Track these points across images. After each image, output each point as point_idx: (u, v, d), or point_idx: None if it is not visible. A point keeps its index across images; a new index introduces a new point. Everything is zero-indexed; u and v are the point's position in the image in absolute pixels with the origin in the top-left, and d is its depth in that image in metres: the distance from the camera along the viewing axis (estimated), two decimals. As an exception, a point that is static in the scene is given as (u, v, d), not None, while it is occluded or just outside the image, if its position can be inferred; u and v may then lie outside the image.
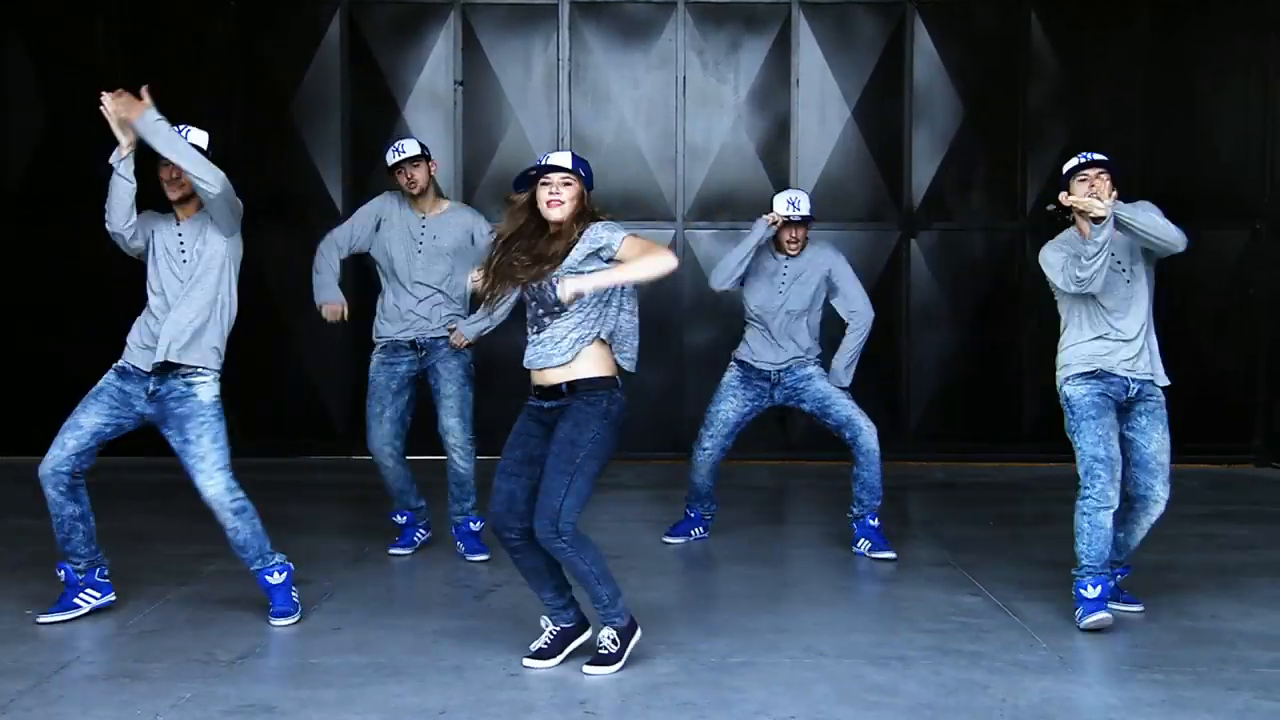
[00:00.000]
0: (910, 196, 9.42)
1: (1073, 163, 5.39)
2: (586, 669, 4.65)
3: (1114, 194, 5.30)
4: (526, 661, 4.73)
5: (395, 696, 4.42)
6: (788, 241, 6.49)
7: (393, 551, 6.50)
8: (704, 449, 6.64)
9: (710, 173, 9.42)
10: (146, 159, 5.23)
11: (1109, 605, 5.23)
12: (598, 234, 4.67)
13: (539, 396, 4.72)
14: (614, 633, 4.69)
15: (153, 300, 5.25)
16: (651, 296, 9.38)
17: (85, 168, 9.29)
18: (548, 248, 4.67)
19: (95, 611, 5.29)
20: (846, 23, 9.41)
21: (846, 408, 6.50)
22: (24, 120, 9.37)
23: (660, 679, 4.62)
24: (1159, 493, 5.40)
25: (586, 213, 4.72)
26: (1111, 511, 5.26)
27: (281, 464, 9.07)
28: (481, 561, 6.28)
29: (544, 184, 4.68)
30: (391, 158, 6.31)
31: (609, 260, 4.64)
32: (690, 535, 6.80)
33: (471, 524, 6.41)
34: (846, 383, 6.53)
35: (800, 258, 6.55)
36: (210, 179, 5.07)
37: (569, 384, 4.65)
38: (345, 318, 6.35)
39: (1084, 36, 9.37)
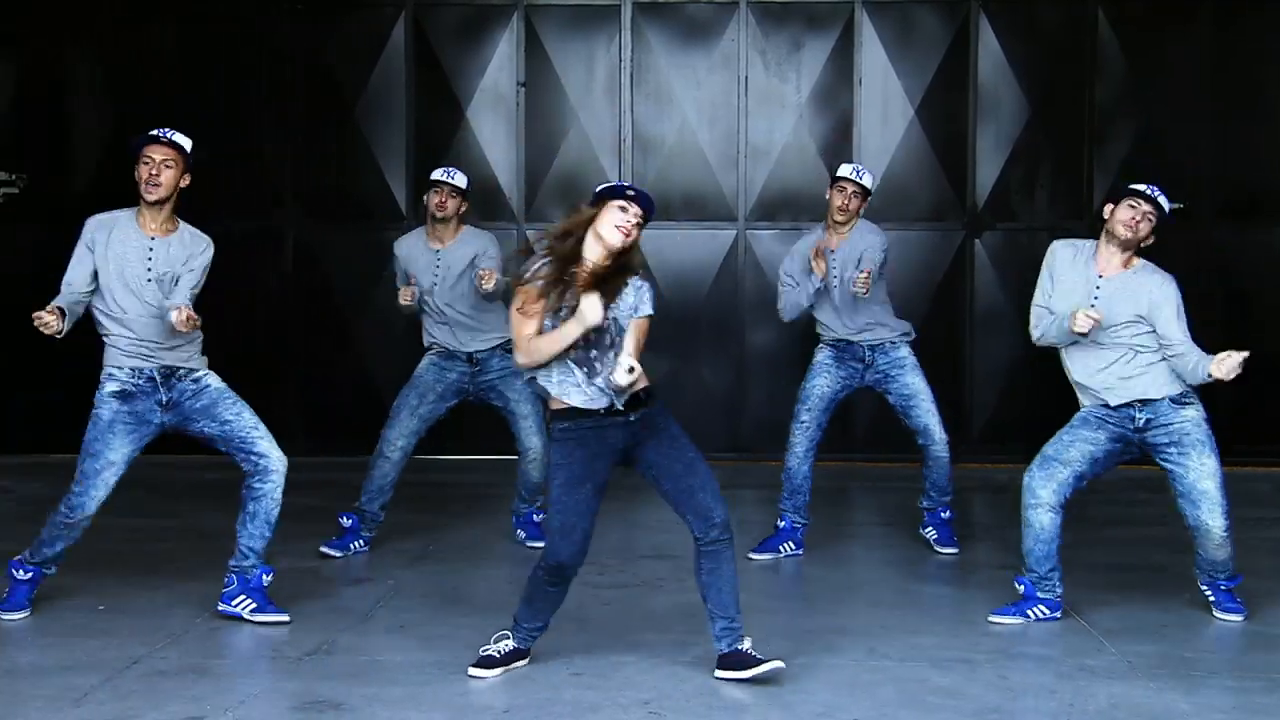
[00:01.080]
0: (974, 196, 9.35)
1: (1137, 187, 5.31)
2: (744, 674, 4.53)
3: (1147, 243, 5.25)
4: (472, 670, 4.62)
5: (460, 695, 4.45)
6: (838, 208, 6.38)
7: (324, 550, 6.37)
8: (800, 423, 6.51)
9: (772, 173, 9.40)
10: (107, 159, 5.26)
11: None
12: (642, 295, 4.53)
13: (621, 411, 4.48)
14: (752, 647, 4.61)
15: (111, 326, 5.22)
16: (711, 297, 9.41)
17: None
18: (615, 280, 4.49)
19: (152, 610, 5.36)
20: (910, 21, 9.35)
21: (927, 414, 6.45)
22: (90, 124, 9.51)
23: (722, 680, 4.62)
24: (1204, 522, 5.21)
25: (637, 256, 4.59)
26: (1036, 510, 5.28)
27: (343, 463, 9.14)
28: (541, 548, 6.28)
29: (622, 209, 4.51)
30: (442, 175, 6.44)
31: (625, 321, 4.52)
32: (780, 551, 6.54)
33: (534, 515, 6.62)
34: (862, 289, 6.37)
35: (844, 246, 6.43)
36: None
37: (647, 390, 4.53)
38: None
39: (1150, 34, 9.26)
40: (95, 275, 5.20)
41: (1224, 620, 5.36)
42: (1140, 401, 5.29)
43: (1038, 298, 5.48)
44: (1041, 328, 5.43)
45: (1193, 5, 9.23)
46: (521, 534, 6.67)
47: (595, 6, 9.40)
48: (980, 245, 9.38)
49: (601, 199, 4.56)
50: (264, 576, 5.28)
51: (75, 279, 5.21)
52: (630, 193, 4.53)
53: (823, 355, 6.58)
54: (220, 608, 5.28)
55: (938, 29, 9.32)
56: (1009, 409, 9.36)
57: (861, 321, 6.47)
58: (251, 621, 5.21)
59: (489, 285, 6.18)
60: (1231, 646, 5.05)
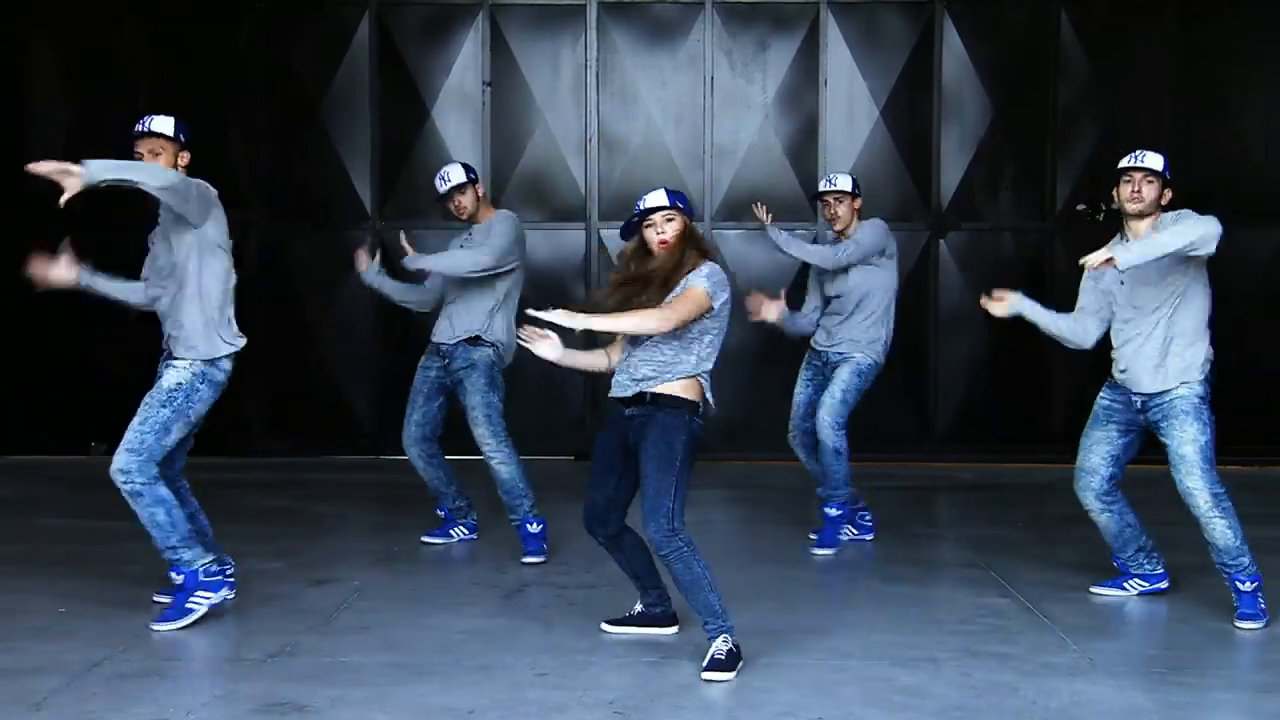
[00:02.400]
0: (939, 197, 9.39)
1: (1124, 162, 5.39)
2: (705, 675, 4.60)
3: (1163, 202, 5.33)
4: (604, 625, 5.09)
5: (424, 696, 4.43)
6: (827, 219, 6.62)
7: (424, 539, 6.63)
8: (789, 434, 6.76)
9: (738, 173, 9.42)
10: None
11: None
12: (690, 280, 4.73)
13: (623, 404, 4.79)
14: (729, 643, 4.67)
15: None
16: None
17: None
18: (645, 267, 4.79)
19: (114, 612, 5.33)
20: (875, 22, 9.39)
21: (830, 398, 6.48)
22: (52, 120, 9.44)
23: (688, 679, 4.62)
24: (1185, 485, 5.29)
25: (697, 245, 4.81)
26: (1092, 514, 5.51)
27: (308, 463, 9.11)
28: (535, 563, 6.25)
29: (648, 226, 4.79)
30: (440, 186, 6.43)
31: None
32: (838, 543, 6.67)
33: (529, 525, 6.36)
34: (774, 237, 6.65)
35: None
36: (143, 177, 5.00)
37: (653, 395, 4.73)
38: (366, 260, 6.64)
39: (1113, 36, 9.33)
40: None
41: (1240, 629, 5.27)
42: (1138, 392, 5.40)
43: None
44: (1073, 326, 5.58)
45: (1156, 7, 9.31)
46: (525, 547, 6.38)
47: (561, 6, 9.39)
48: (944, 245, 9.43)
49: (626, 235, 4.92)
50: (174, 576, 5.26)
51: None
52: (635, 219, 4.83)
53: (803, 363, 6.79)
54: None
55: (902, 30, 9.36)
56: (973, 408, 9.42)
57: (834, 341, 6.60)
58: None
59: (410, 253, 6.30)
60: (1192, 644, 5.08)
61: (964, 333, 9.45)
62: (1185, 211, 5.30)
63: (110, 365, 9.25)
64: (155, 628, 5.10)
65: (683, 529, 4.65)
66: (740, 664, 4.67)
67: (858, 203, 6.61)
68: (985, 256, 9.46)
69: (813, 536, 6.75)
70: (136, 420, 5.13)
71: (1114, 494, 5.55)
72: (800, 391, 6.72)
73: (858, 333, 6.55)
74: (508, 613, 5.47)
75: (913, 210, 9.42)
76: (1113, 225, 5.53)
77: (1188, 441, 5.27)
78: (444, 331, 6.42)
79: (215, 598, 5.20)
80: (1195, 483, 5.25)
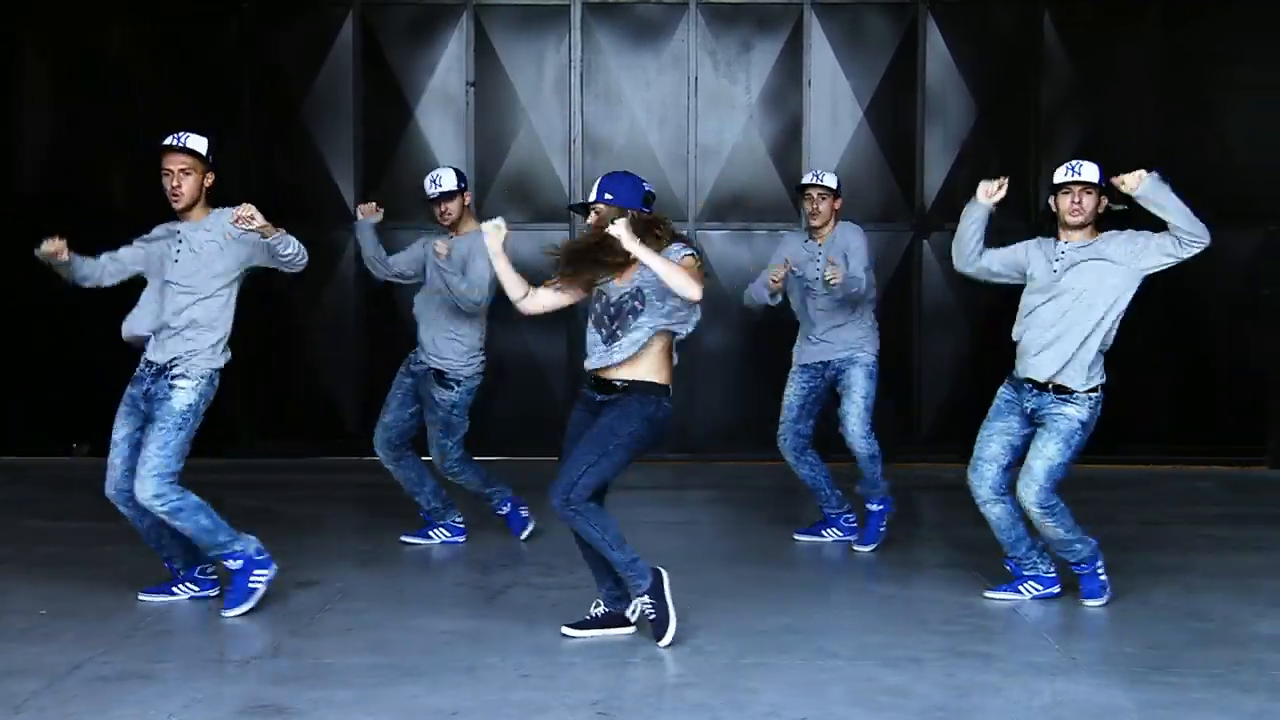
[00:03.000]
0: (922, 197, 9.41)
1: (1060, 175, 5.52)
2: (659, 644, 4.89)
3: (1099, 210, 5.48)
4: (565, 629, 5.06)
5: (409, 697, 4.42)
6: (809, 215, 6.58)
7: (403, 539, 6.69)
8: (779, 435, 6.73)
9: (722, 173, 9.42)
10: (137, 172, 5.24)
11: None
12: (677, 250, 4.93)
13: (594, 389, 4.98)
14: (647, 599, 4.92)
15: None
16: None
17: (99, 166, 9.38)
18: (615, 255, 4.93)
19: (96, 614, 5.31)
20: (858, 23, 9.40)
21: (855, 406, 6.54)
22: (36, 119, 9.41)
23: (672, 680, 4.63)
24: (1019, 491, 5.43)
25: (652, 230, 4.93)
26: (986, 505, 5.53)
27: (292, 464, 9.09)
28: (528, 536, 6.72)
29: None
30: (430, 189, 6.52)
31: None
32: (822, 535, 6.85)
33: (501, 509, 6.77)
34: (835, 278, 6.44)
35: (828, 241, 6.57)
36: (296, 262, 5.46)
37: (626, 382, 4.92)
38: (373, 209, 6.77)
39: (1097, 37, 9.35)
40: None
41: (1087, 606, 5.55)
42: (1030, 382, 5.47)
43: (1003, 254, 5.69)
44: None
45: (1139, 8, 9.33)
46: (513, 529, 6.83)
47: (545, 6, 9.39)
48: (928, 246, 9.44)
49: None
50: (227, 564, 5.36)
51: (121, 254, 5.44)
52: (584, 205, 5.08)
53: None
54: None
55: (886, 31, 9.38)
56: (957, 408, 9.43)
57: (831, 354, 6.62)
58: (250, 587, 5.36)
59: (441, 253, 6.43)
60: (1173, 643, 5.10)
61: (947, 333, 9.47)
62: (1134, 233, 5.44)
63: (91, 367, 9.23)
64: (227, 614, 5.27)
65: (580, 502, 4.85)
66: (671, 617, 4.91)
67: (839, 203, 6.63)
68: (969, 257, 9.48)
69: (797, 538, 6.79)
70: (155, 445, 5.16)
71: (1007, 486, 5.56)
72: (794, 395, 6.69)
73: (855, 334, 6.58)
74: (492, 614, 5.47)
75: (896, 211, 9.43)
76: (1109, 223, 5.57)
77: (1040, 456, 5.40)
78: (422, 346, 6.56)
79: (269, 573, 5.37)
80: (1028, 493, 5.39)
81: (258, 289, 9.28)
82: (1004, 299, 9.50)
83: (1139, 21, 9.34)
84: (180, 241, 5.32)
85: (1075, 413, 5.41)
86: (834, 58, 9.35)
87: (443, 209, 6.49)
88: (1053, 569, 5.66)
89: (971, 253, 5.65)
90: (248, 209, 5.16)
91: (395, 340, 6.41)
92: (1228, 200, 9.30)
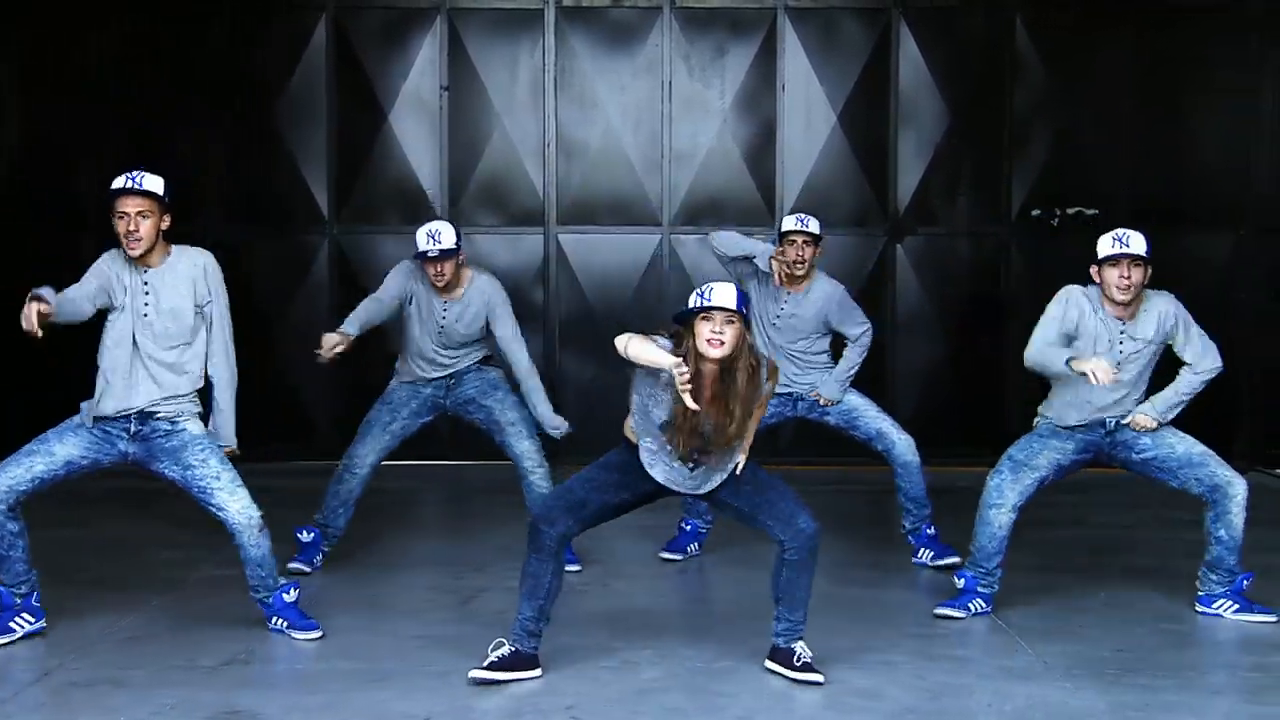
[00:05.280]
0: (896, 202, 9.43)
1: (1106, 247, 5.30)
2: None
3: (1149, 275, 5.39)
4: (474, 673, 4.59)
5: (380, 703, 4.41)
6: (793, 262, 6.20)
7: (293, 566, 6.07)
8: None
9: (696, 178, 9.42)
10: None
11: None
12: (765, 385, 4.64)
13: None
14: (508, 645, 4.67)
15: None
16: (636, 301, 9.40)
17: (72, 173, 9.32)
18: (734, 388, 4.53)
19: (65, 621, 5.27)
20: (832, 28, 9.42)
21: (875, 419, 6.37)
22: (10, 123, 9.34)
23: (646, 684, 4.62)
24: (1222, 474, 5.49)
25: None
26: (1000, 510, 5.49)
27: (264, 469, 9.03)
28: (575, 570, 6.06)
29: (705, 319, 4.47)
30: (426, 244, 5.90)
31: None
32: (688, 551, 6.57)
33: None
34: (840, 397, 6.35)
35: (803, 301, 6.30)
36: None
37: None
38: (335, 353, 5.96)
39: (1069, 41, 9.39)
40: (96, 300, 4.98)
41: (1256, 622, 5.40)
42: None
43: (1047, 329, 5.42)
44: (1042, 359, 5.34)
45: (1112, 13, 9.37)
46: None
47: (519, 10, 9.37)
48: (902, 250, 9.46)
49: (685, 320, 4.53)
50: (284, 595, 5.16)
51: (76, 296, 4.95)
52: (710, 303, 4.46)
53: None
54: (270, 628, 5.21)
55: (859, 36, 9.40)
56: (930, 412, 9.45)
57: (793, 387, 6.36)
58: (294, 638, 5.12)
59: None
60: (1145, 646, 5.12)
61: (921, 337, 9.49)
62: (1189, 328, 5.49)
63: (61, 377, 9.16)
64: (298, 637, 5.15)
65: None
66: (514, 670, 4.59)
67: (820, 249, 6.34)
68: (942, 261, 9.51)
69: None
70: (228, 478, 5.08)
71: (1027, 502, 5.55)
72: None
73: (820, 371, 6.38)
74: (464, 619, 5.45)
75: (870, 215, 9.45)
76: (1069, 233, 5.56)
77: (1194, 442, 5.54)
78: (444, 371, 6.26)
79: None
80: (1230, 471, 5.49)
81: (229, 294, 9.15)
82: (977, 304, 9.59)
83: (1112, 26, 9.38)
84: (148, 294, 5.02)
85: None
86: (808, 62, 9.36)
87: (439, 269, 5.91)
88: (997, 589, 5.55)
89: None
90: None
91: (366, 345, 6.35)
92: (1201, 204, 9.37)
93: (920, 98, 9.38)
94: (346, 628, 5.27)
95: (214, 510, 5.06)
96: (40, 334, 4.66)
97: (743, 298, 4.50)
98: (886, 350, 9.39)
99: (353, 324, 6.06)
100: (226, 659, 4.86)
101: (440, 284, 6.01)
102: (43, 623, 5.10)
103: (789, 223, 6.31)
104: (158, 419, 5.06)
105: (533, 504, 6.06)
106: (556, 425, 6.18)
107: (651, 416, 4.58)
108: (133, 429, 5.04)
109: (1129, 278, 5.28)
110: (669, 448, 4.59)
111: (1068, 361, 5.15)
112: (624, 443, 4.75)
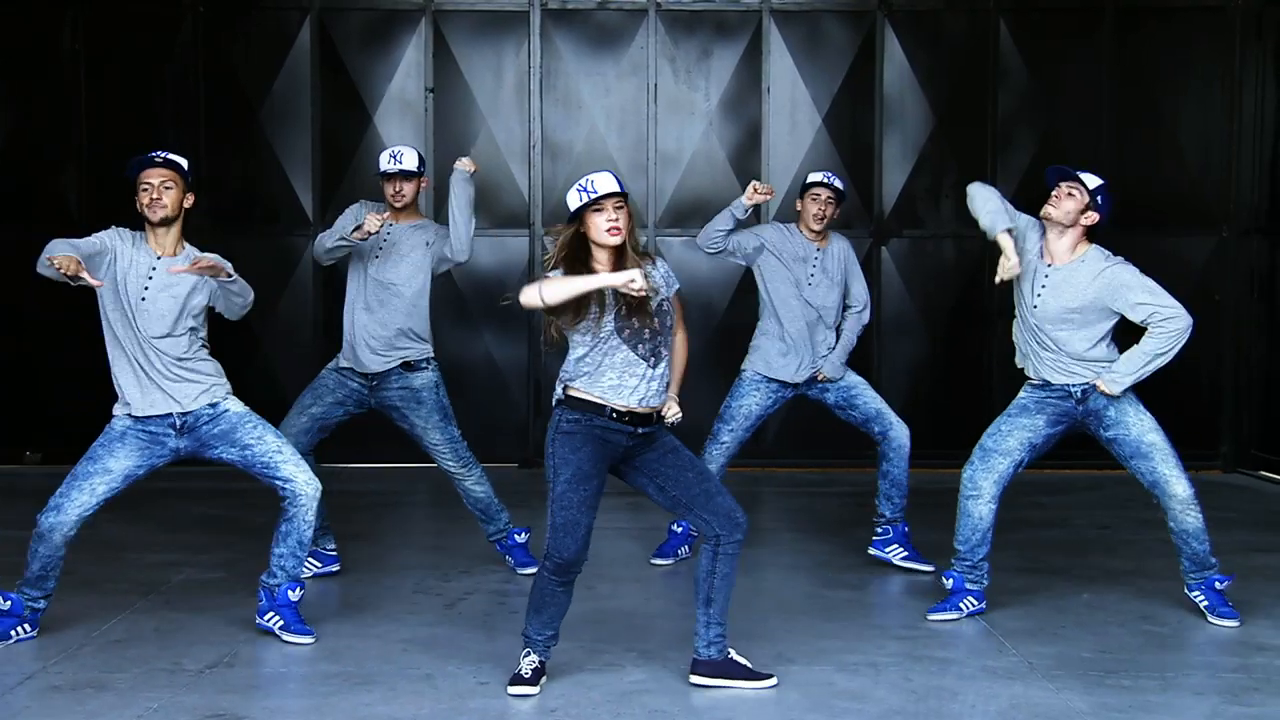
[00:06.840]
0: (881, 204, 9.45)
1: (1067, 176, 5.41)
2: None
3: (1084, 221, 5.39)
4: (513, 689, 4.54)
5: (365, 705, 4.40)
6: (814, 216, 6.21)
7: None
8: (721, 442, 6.29)
9: (682, 180, 9.43)
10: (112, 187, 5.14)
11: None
12: (670, 278, 4.66)
13: (630, 422, 4.53)
14: (533, 659, 4.63)
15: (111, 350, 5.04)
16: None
17: (50, 171, 9.29)
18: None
19: (48, 624, 5.25)
20: (817, 31, 9.43)
21: (875, 400, 6.32)
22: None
23: (630, 686, 4.63)
24: (1163, 472, 5.40)
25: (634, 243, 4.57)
26: (978, 501, 5.42)
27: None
28: (531, 574, 5.93)
29: (598, 210, 4.49)
30: (387, 164, 6.07)
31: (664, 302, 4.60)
32: (679, 555, 6.53)
33: (516, 536, 6.24)
34: (841, 374, 6.31)
35: (827, 251, 6.30)
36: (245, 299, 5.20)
37: (657, 412, 4.62)
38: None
39: (1052, 45, 9.42)
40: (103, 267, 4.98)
41: (1218, 626, 5.38)
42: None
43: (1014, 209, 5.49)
44: (988, 203, 5.41)
45: (1094, 16, 9.41)
46: (510, 560, 6.23)
47: (504, 12, 9.37)
48: (886, 252, 9.49)
49: (577, 215, 4.52)
50: (289, 592, 5.12)
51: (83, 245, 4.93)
52: (587, 200, 4.48)
53: (749, 373, 6.38)
54: (257, 622, 5.17)
55: (844, 38, 9.42)
56: (915, 414, 9.45)
57: (808, 366, 6.29)
58: (282, 639, 5.08)
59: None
60: (1128, 647, 5.14)
61: (906, 339, 9.51)
62: (1133, 277, 5.45)
63: (48, 375, 9.14)
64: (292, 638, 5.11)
65: None
66: (540, 681, 4.56)
67: (838, 211, 6.36)
68: (927, 263, 9.53)
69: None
70: (290, 450, 5.10)
71: (1005, 489, 5.50)
72: (755, 405, 6.29)
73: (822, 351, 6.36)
74: (449, 622, 5.45)
75: (854, 217, 9.46)
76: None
77: (1151, 429, 5.47)
78: (372, 362, 6.20)
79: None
80: (1173, 470, 5.42)
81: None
82: (962, 305, 9.61)
83: (1093, 30, 9.42)
84: (152, 278, 5.03)
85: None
86: (793, 65, 9.38)
87: (398, 188, 6.06)
88: (986, 583, 5.56)
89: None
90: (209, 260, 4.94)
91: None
92: (1181, 205, 9.41)
93: (905, 100, 9.40)
94: (331, 631, 5.26)
95: (279, 483, 5.07)
96: (98, 283, 4.80)
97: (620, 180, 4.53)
98: (871, 352, 9.42)
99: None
100: (211, 662, 4.85)
101: (398, 204, 6.07)
102: (35, 633, 5.11)
103: (815, 175, 6.30)
104: (198, 408, 5.07)
105: (473, 508, 6.21)
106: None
107: (605, 349, 4.49)
108: (177, 424, 5.06)
109: (1060, 199, 5.36)
110: (633, 340, 4.49)
111: (1001, 231, 5.28)
112: (567, 439, 4.53)
